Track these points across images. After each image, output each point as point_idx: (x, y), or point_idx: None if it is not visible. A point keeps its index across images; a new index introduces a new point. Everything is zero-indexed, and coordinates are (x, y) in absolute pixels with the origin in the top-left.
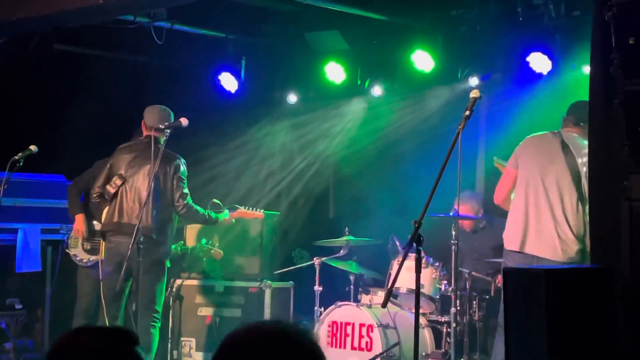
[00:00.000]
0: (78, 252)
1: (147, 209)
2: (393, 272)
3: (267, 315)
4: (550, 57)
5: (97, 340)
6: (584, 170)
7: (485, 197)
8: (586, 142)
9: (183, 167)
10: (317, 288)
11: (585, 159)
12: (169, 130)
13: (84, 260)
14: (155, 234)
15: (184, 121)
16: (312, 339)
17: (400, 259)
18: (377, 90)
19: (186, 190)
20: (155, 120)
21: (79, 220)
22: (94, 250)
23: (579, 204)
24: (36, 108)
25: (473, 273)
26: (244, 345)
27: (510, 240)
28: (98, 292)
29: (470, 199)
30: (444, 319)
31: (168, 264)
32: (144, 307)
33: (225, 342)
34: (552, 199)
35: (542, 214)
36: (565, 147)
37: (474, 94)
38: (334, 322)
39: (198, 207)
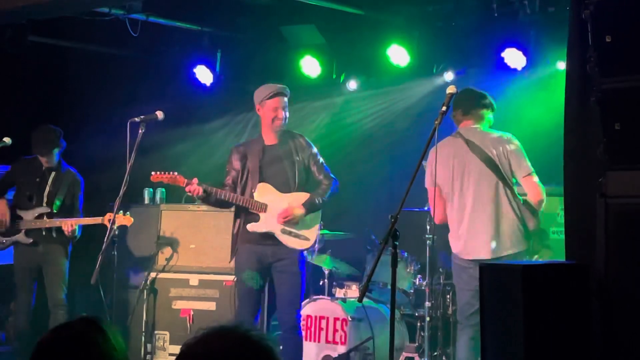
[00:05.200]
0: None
1: None
2: (369, 267)
3: None
4: (525, 53)
5: (67, 334)
6: (496, 158)
7: None
8: (482, 127)
9: None
10: None
11: (491, 147)
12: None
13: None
14: None
15: (160, 114)
16: (270, 345)
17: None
18: (352, 85)
19: None
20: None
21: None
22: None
23: (507, 191)
24: (10, 100)
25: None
26: (204, 356)
27: (455, 249)
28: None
29: None
30: (417, 313)
31: None
32: None
33: (184, 352)
34: (483, 199)
35: (475, 216)
36: (470, 143)
37: (451, 89)
38: (308, 316)
39: None
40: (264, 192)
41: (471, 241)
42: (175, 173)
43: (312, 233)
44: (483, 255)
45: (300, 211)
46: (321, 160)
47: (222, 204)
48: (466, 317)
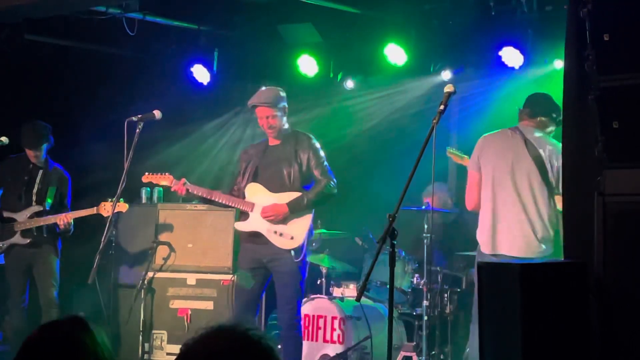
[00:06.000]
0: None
1: None
2: (366, 266)
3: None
4: (522, 52)
5: (53, 333)
6: (547, 163)
7: (457, 191)
8: (542, 134)
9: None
10: None
11: (547, 152)
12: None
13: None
14: None
15: (157, 113)
16: (270, 344)
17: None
18: (349, 84)
19: None
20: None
21: None
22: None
23: (551, 199)
24: (6, 99)
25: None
26: (204, 356)
27: (484, 243)
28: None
29: (438, 190)
30: (415, 312)
31: None
32: None
33: (183, 353)
34: (524, 196)
35: (515, 213)
36: (527, 142)
37: (449, 88)
38: (306, 315)
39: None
40: (253, 192)
41: (502, 236)
42: (166, 173)
43: (299, 232)
44: (507, 251)
45: (282, 210)
46: (322, 160)
47: (216, 204)
48: None
